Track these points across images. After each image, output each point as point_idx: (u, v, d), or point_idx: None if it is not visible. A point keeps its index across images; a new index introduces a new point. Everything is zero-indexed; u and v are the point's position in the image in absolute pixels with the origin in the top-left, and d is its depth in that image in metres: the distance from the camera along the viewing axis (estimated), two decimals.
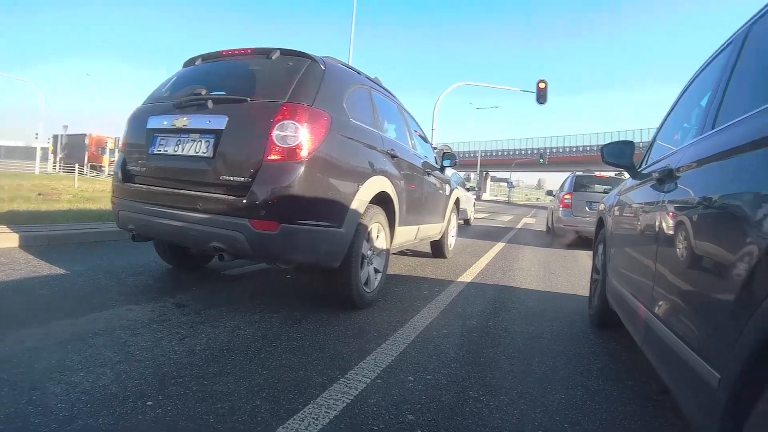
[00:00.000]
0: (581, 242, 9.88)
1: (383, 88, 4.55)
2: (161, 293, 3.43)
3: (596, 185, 10.30)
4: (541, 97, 18.98)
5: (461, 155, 75.91)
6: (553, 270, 6.35)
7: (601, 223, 4.05)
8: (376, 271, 3.68)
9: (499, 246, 8.57)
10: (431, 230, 5.39)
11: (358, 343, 2.74)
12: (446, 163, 5.80)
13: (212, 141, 3.02)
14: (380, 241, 3.68)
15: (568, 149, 68.22)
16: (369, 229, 3.44)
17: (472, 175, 69.29)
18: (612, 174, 11.11)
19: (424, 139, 5.71)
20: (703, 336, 1.41)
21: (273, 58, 3.37)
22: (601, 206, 4.10)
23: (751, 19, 1.96)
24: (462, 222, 12.59)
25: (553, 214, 10.77)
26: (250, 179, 2.85)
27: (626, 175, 3.56)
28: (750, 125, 1.43)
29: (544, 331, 3.34)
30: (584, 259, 7.95)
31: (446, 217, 6.05)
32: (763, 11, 1.84)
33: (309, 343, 2.67)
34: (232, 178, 2.91)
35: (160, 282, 3.80)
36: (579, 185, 10.21)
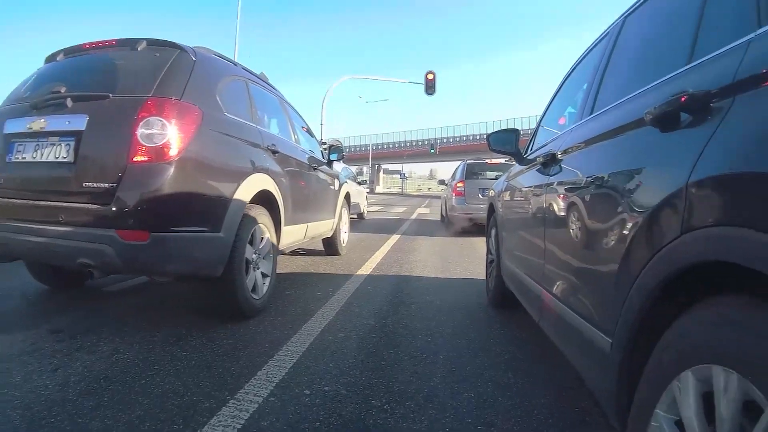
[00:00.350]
0: (476, 229, 9.91)
1: (263, 81, 4.26)
2: (35, 319, 3.04)
3: (487, 172, 10.36)
4: (430, 87, 19.55)
5: (353, 149, 76.31)
6: (450, 259, 6.39)
7: (492, 209, 4.11)
8: (264, 275, 3.41)
9: (395, 238, 8.54)
10: (322, 227, 5.17)
11: (248, 357, 2.49)
12: (333, 157, 5.60)
13: (72, 144, 2.64)
14: (266, 244, 3.40)
15: (458, 138, 70.63)
16: (252, 231, 3.16)
17: (365, 169, 69.84)
18: (502, 160, 11.36)
19: (310, 133, 5.47)
20: (593, 306, 1.50)
21: (139, 49, 3.03)
22: (491, 192, 4.12)
23: (626, 12, 2.05)
24: (355, 216, 12.47)
25: (446, 203, 10.84)
26: (115, 185, 2.51)
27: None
28: (623, 110, 1.56)
29: (446, 324, 3.26)
30: (481, 245, 8.05)
31: (337, 213, 5.85)
32: (636, 5, 1.94)
33: (195, 363, 2.39)
34: (96, 185, 2.55)
35: (33, 306, 3.41)
36: (471, 173, 10.22)
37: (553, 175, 2.19)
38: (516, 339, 3.00)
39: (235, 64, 3.72)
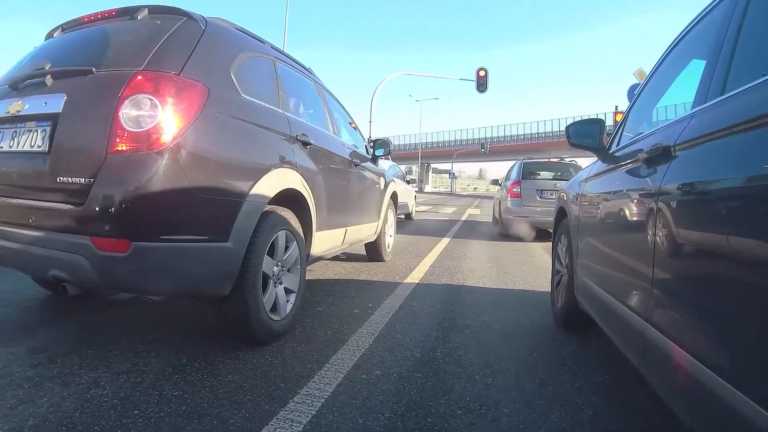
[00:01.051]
0: (533, 234, 9.30)
1: (296, 63, 3.71)
2: (19, 332, 2.61)
3: (545, 172, 9.76)
4: (482, 85, 19.12)
5: (402, 148, 76.00)
6: (506, 268, 5.67)
7: (562, 214, 3.47)
8: (288, 291, 2.84)
9: (444, 242, 7.87)
10: (364, 232, 4.58)
11: (254, 404, 1.93)
12: (379, 152, 4.98)
13: (48, 130, 2.16)
14: (292, 254, 2.84)
15: (509, 138, 69.25)
16: (273, 239, 2.61)
17: (414, 168, 69.32)
18: (567, 159, 10.82)
19: (354, 126, 4.90)
20: (741, 363, 1.05)
21: (139, 18, 2.54)
22: (563, 195, 3.44)
23: None
24: (403, 217, 11.91)
25: (500, 205, 10.16)
26: (91, 180, 1.99)
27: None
28: None
29: (509, 358, 2.61)
30: (539, 251, 7.40)
31: (382, 215, 5.24)
32: None
33: (185, 409, 1.85)
34: (70, 180, 2.05)
35: (25, 315, 2.98)
36: (527, 173, 9.53)
37: (665, 175, 1.58)
38: (601, 384, 2.31)
39: (262, 42, 3.17)
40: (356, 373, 2.29)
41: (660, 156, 1.68)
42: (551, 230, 9.93)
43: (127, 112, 2.03)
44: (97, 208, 1.96)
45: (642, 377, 1.69)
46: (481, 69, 19.22)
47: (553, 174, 9.65)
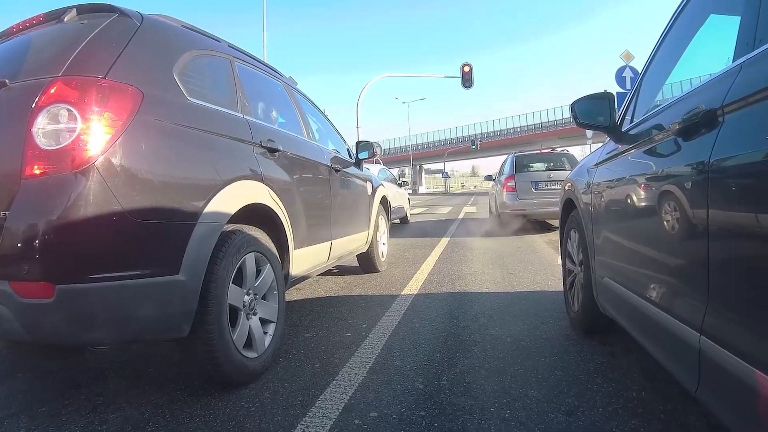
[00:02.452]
0: (531, 226, 9.23)
1: (258, 62, 3.32)
2: None
3: (538, 163, 9.74)
4: (467, 81, 18.87)
5: (393, 151, 75.74)
6: (511, 268, 5.27)
7: (569, 205, 3.09)
8: (265, 322, 2.45)
9: (443, 245, 7.46)
10: (352, 243, 4.18)
11: None
12: (363, 155, 4.58)
13: None
14: (265, 278, 2.44)
15: (498, 133, 69.31)
16: (240, 263, 2.22)
17: (407, 170, 69.03)
18: (559, 148, 10.75)
19: (333, 130, 4.51)
20: None
21: (66, 20, 2.18)
22: (569, 185, 3.06)
23: None
24: (398, 221, 11.54)
25: (496, 200, 10.03)
26: (5, 213, 1.62)
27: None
28: None
29: (527, 380, 2.21)
30: (542, 246, 7.02)
31: (372, 223, 4.83)
32: None
33: None
34: None
35: None
36: (521, 166, 9.49)
37: (717, 146, 1.21)
38: (639, 404, 1.91)
39: (217, 40, 2.79)
40: (348, 417, 1.91)
41: (700, 124, 1.32)
42: (549, 221, 9.82)
43: (41, 128, 1.67)
44: (12, 246, 1.60)
45: (701, 404, 1.32)
46: (466, 65, 19.01)
47: (546, 165, 9.65)
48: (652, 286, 1.70)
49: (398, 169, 65.14)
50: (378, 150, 4.69)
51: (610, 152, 2.34)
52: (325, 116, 4.45)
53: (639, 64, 9.99)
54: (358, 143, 4.69)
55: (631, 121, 2.20)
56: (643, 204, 1.79)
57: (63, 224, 1.59)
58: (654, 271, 1.69)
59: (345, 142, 4.67)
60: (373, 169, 9.78)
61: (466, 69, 19.00)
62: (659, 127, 1.72)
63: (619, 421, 1.80)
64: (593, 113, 2.34)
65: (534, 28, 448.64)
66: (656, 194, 1.63)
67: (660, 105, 1.92)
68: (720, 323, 1.19)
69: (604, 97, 2.36)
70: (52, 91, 1.72)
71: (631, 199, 1.90)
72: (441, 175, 77.24)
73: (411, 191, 18.35)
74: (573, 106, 2.38)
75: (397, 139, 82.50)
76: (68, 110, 1.69)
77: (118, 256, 1.73)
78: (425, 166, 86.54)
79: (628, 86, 9.95)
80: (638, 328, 1.88)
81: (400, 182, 13.89)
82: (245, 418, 1.92)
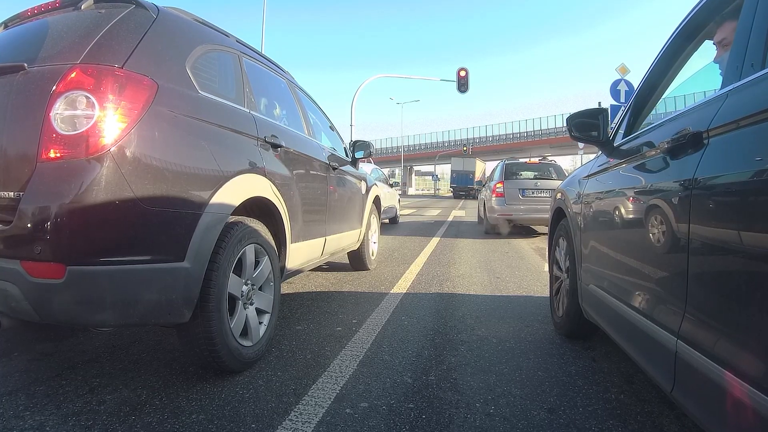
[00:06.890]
0: (518, 231, 9.51)
1: (265, 59, 3.39)
2: None
3: (526, 172, 10.12)
4: (463, 85, 18.94)
5: (385, 151, 75.85)
6: (498, 272, 5.38)
7: (559, 215, 3.19)
8: (261, 312, 2.52)
9: (431, 246, 7.56)
10: (345, 240, 4.26)
11: None
12: (359, 155, 4.65)
13: None
14: (263, 270, 2.51)
15: (491, 138, 69.84)
16: (240, 254, 2.29)
17: (397, 171, 69.13)
18: (549, 157, 11.15)
19: (332, 128, 4.59)
20: None
21: (83, 8, 2.22)
22: (559, 194, 3.16)
23: None
24: (387, 221, 11.63)
25: (485, 204, 10.25)
26: (20, 193, 1.68)
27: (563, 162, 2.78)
28: None
29: (511, 379, 2.31)
30: (528, 251, 7.15)
31: (364, 222, 4.92)
32: None
33: None
34: None
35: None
36: (510, 173, 9.84)
37: (701, 166, 1.32)
38: (618, 405, 2.01)
39: (226, 35, 2.86)
40: (339, 406, 1.99)
41: (688, 144, 1.42)
42: (534, 227, 10.11)
43: (59, 113, 1.73)
44: (26, 227, 1.65)
45: (674, 403, 1.42)
46: (462, 69, 19.07)
47: (533, 174, 10.02)
48: (634, 293, 1.81)
49: (389, 169, 65.20)
50: (372, 150, 4.78)
51: (602, 165, 2.44)
52: (324, 113, 4.52)
53: (633, 78, 10.22)
54: (354, 142, 4.77)
55: (624, 136, 2.30)
56: (630, 216, 1.90)
57: (77, 208, 1.65)
58: (637, 280, 1.80)
59: (342, 140, 4.74)
60: (366, 169, 9.86)
61: (462, 73, 19.06)
62: (649, 145, 1.82)
63: (597, 421, 1.90)
64: (588, 128, 2.44)
65: (534, 32, 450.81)
66: (643, 207, 1.73)
67: (651, 123, 2.02)
68: (696, 329, 1.29)
69: (598, 113, 2.46)
70: (71, 77, 1.77)
71: (619, 211, 2.00)
72: (431, 177, 77.48)
73: (400, 192, 18.42)
74: (569, 121, 2.48)
75: (389, 139, 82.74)
76: (86, 97, 1.75)
77: (128, 241, 1.79)
78: (416, 168, 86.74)
79: (623, 99, 10.13)
80: (620, 332, 1.98)
81: (391, 183, 13.98)
82: (240, 404, 1.99)
